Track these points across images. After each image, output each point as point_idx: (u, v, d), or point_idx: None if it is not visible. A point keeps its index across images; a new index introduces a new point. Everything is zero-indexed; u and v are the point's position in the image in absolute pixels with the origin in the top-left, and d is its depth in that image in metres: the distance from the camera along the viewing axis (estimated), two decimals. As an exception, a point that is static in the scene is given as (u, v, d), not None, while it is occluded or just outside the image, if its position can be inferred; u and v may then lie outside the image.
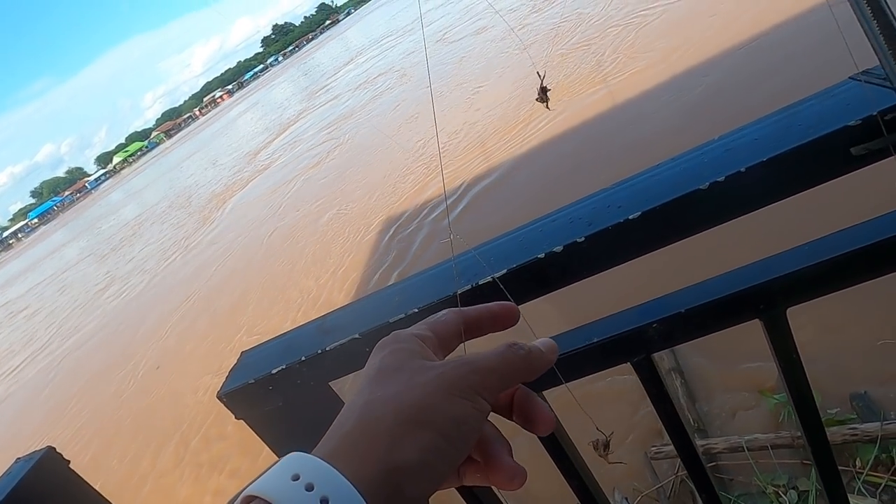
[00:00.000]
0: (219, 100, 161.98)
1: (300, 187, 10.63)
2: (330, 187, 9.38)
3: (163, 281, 10.90)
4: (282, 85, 45.82)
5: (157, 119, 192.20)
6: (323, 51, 59.09)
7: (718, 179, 0.69)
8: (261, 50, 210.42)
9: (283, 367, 0.91)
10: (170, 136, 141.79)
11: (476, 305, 0.48)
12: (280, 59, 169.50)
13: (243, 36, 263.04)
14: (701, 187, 0.70)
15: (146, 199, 29.56)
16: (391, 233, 6.09)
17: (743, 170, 0.68)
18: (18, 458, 1.31)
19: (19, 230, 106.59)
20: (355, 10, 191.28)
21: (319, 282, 6.06)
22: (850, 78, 0.71)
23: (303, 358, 0.90)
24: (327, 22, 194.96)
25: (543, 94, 2.95)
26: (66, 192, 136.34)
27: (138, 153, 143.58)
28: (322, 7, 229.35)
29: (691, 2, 7.33)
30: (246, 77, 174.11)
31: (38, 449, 1.25)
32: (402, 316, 0.85)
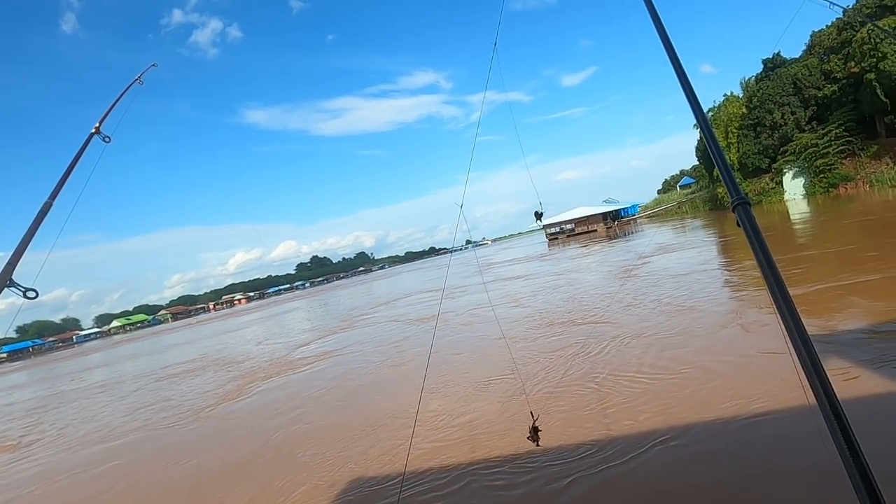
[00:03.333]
0: (236, 301, 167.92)
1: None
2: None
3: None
4: (299, 311, 47.65)
5: (173, 300, 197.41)
6: (349, 290, 63.02)
7: None
8: (293, 272, 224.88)
9: None
10: (175, 319, 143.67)
11: None
12: (307, 285, 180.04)
13: (283, 255, 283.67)
14: None
15: (121, 369, 28.77)
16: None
17: None
18: None
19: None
20: (389, 266, 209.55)
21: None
22: None
23: None
24: (360, 268, 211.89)
25: (534, 433, 3.28)
26: (51, 338, 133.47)
27: (139, 324, 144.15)
28: (361, 255, 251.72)
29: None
30: (270, 290, 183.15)
31: None
32: None
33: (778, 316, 1.05)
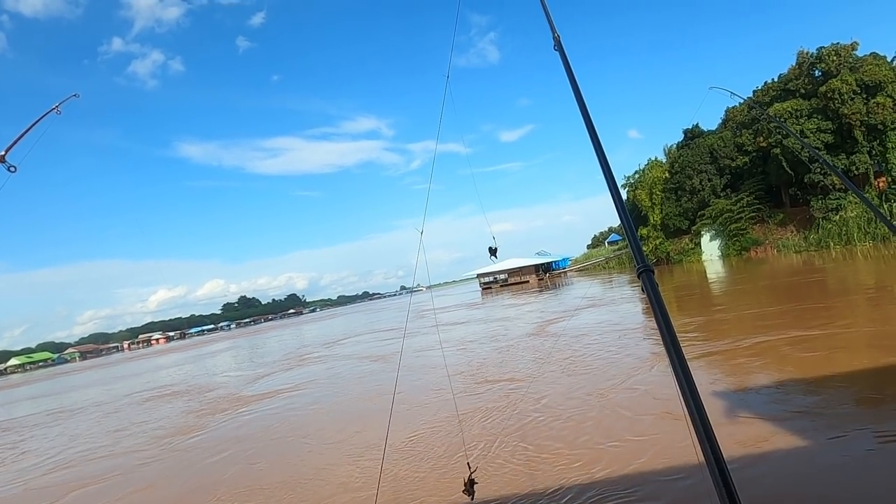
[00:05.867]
0: (154, 341, 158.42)
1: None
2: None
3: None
4: (225, 353, 45.51)
5: (83, 337, 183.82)
6: (277, 333, 60.87)
7: None
8: (219, 312, 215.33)
9: None
10: (84, 358, 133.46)
11: None
12: (233, 326, 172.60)
13: (209, 293, 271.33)
14: None
15: (12, 412, 26.32)
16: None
17: None
18: None
19: None
20: (321, 309, 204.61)
21: None
22: None
23: None
24: (291, 310, 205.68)
25: (470, 486, 3.15)
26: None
27: (41, 363, 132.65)
28: (292, 297, 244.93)
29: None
30: (191, 330, 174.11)
31: None
32: None
33: (673, 375, 1.11)
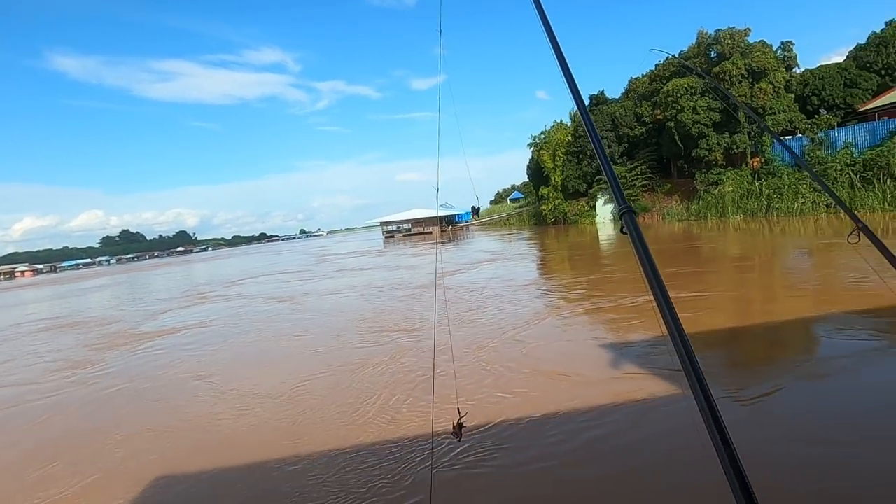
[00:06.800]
0: (19, 273, 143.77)
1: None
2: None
3: None
4: (109, 289, 42.36)
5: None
6: (166, 270, 57.47)
7: None
8: (97, 246, 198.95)
9: None
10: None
11: None
12: (113, 261, 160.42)
13: (85, 225, 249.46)
14: None
15: None
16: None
17: None
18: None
19: None
20: (213, 249, 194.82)
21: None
22: None
23: None
24: (179, 248, 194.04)
25: (459, 429, 3.24)
26: None
27: None
28: (181, 234, 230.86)
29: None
30: (64, 264, 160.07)
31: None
32: None
33: (658, 315, 1.18)
